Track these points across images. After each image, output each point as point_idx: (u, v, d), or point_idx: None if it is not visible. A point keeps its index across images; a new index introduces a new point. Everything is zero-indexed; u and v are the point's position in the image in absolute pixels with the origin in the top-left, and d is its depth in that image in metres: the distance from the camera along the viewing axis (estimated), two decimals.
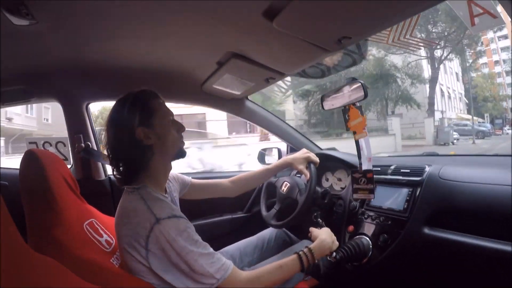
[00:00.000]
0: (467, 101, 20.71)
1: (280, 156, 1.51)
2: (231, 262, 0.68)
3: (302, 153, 1.11)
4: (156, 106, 0.74)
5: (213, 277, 0.63)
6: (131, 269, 0.67)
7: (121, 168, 0.72)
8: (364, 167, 0.95)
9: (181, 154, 0.79)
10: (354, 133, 0.95)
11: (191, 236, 0.64)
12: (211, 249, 0.67)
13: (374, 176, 0.95)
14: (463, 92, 21.22)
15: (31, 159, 0.71)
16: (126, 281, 0.66)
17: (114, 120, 0.71)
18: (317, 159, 1.11)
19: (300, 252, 0.79)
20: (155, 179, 0.74)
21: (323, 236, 0.86)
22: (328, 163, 1.28)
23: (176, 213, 0.66)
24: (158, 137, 0.72)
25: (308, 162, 1.09)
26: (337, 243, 0.88)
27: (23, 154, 0.73)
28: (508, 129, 16.81)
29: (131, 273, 0.67)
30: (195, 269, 0.62)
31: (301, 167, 1.07)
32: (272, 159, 1.55)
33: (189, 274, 0.63)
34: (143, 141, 0.70)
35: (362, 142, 0.95)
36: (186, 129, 0.81)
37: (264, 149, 1.60)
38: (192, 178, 1.05)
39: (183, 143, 0.80)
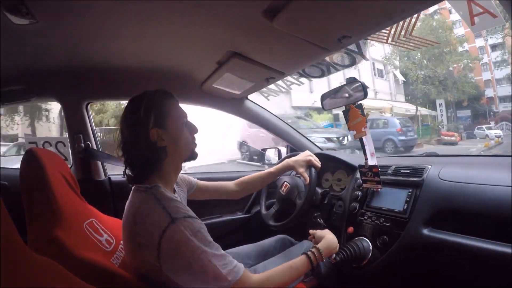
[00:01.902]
0: (404, 79, 13.64)
1: (280, 157, 1.51)
2: (242, 264, 0.68)
3: (304, 156, 1.11)
4: (171, 107, 0.74)
5: (226, 279, 0.63)
6: (138, 269, 0.66)
7: (134, 167, 0.72)
8: (369, 162, 0.99)
9: (193, 156, 0.80)
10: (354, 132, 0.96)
11: (205, 236, 0.64)
12: (223, 251, 0.67)
13: None
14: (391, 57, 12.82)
15: (31, 158, 0.71)
16: (126, 281, 0.65)
17: (128, 121, 0.72)
18: (318, 164, 1.10)
19: (309, 252, 0.79)
20: (165, 179, 0.74)
21: (330, 235, 0.87)
22: (328, 163, 1.28)
23: (190, 214, 0.66)
24: (172, 139, 0.73)
25: (309, 166, 1.09)
26: (338, 244, 0.88)
27: None
28: (486, 130, 11.01)
29: (137, 273, 0.66)
30: (208, 270, 0.62)
31: (302, 170, 1.07)
32: (272, 160, 1.55)
33: (201, 275, 0.62)
34: (157, 142, 0.70)
35: (364, 138, 0.97)
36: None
37: (264, 149, 1.60)
38: (197, 179, 1.04)
39: (196, 145, 0.80)
